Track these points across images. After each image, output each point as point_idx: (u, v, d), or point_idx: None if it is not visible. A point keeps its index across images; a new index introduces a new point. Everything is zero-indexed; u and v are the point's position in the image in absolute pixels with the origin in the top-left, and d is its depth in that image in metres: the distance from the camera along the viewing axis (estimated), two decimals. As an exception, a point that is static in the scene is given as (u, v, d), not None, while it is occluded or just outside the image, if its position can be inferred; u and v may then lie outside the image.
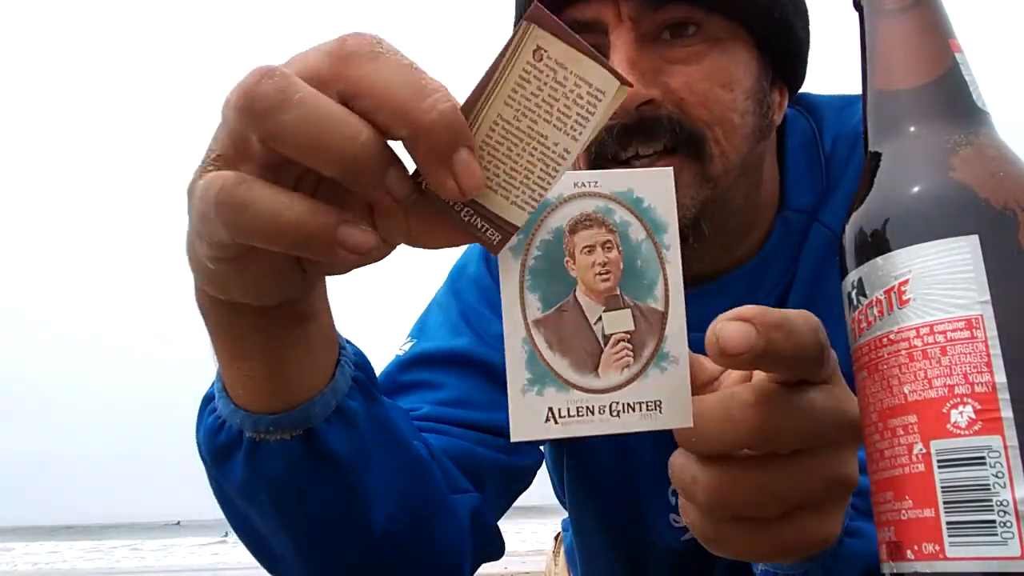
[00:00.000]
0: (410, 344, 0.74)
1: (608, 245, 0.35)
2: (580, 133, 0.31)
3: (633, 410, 0.34)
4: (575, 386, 0.34)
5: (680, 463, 0.38)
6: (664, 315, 0.35)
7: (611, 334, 0.35)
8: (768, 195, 0.71)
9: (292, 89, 0.29)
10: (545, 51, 0.30)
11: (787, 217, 0.71)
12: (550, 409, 0.34)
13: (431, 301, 0.81)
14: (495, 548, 0.66)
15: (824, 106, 0.76)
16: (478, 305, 0.76)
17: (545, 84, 0.31)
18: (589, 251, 0.35)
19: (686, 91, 0.62)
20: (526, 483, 0.73)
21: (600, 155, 0.63)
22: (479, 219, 0.32)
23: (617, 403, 0.34)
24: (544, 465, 0.86)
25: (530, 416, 0.33)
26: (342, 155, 0.29)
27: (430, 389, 0.69)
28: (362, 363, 0.51)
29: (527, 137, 0.31)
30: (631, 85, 0.32)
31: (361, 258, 0.31)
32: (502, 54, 0.30)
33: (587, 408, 0.34)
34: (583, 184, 0.34)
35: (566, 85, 0.31)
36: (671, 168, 0.36)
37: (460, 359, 0.70)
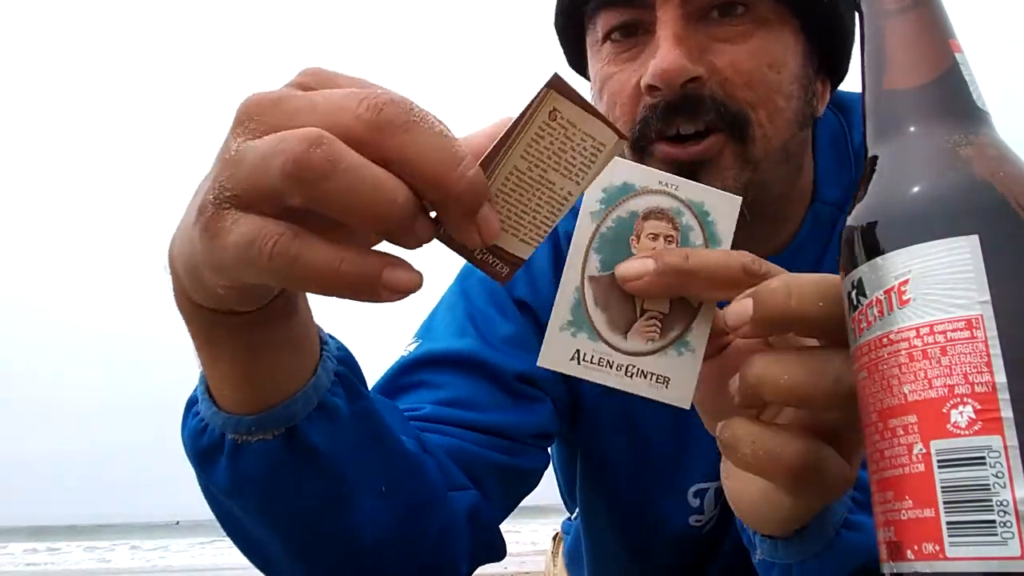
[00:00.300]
0: (415, 344, 0.74)
1: (670, 239, 0.40)
2: (582, 179, 0.36)
3: (644, 377, 0.40)
4: (604, 340, 0.39)
5: (759, 355, 0.39)
6: (696, 311, 0.40)
7: (647, 309, 0.40)
8: (803, 187, 0.71)
9: (338, 158, 0.30)
10: (559, 112, 0.35)
11: (818, 210, 0.72)
12: (577, 350, 0.39)
13: (439, 302, 0.81)
14: (495, 548, 0.66)
15: (853, 102, 0.76)
16: (486, 307, 0.75)
17: (556, 139, 0.35)
18: (653, 238, 0.40)
19: (731, 70, 0.61)
20: (530, 485, 0.72)
21: (644, 134, 0.63)
22: (490, 255, 0.37)
23: (633, 366, 0.40)
24: (551, 466, 0.86)
25: (560, 350, 0.39)
26: (381, 215, 0.31)
27: (432, 389, 0.69)
28: (345, 357, 0.51)
29: (537, 184, 0.36)
30: (627, 139, 0.37)
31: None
32: (522, 115, 0.35)
33: (607, 361, 0.39)
34: (666, 184, 0.40)
35: (574, 140, 0.35)
36: (740, 198, 0.41)
37: (464, 360, 0.70)
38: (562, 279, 0.39)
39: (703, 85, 0.61)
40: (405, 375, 0.70)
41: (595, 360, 0.39)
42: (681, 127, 0.61)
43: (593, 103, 0.71)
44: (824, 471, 0.39)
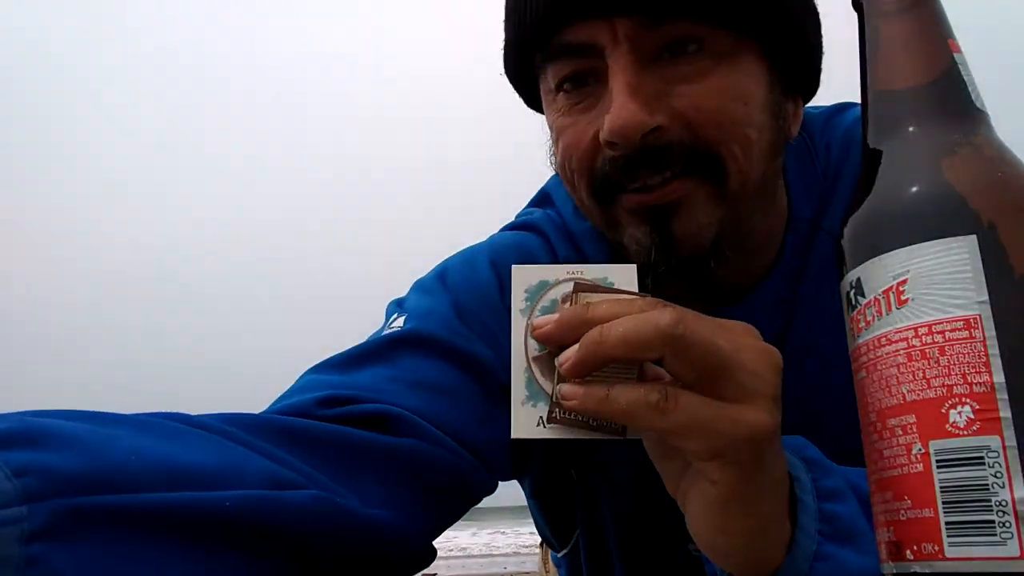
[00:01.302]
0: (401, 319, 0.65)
1: None
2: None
3: (603, 423, 0.45)
4: (557, 402, 0.45)
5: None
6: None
7: None
8: (779, 209, 0.69)
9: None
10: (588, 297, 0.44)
11: (796, 228, 0.70)
12: (540, 417, 0.44)
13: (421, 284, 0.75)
14: (371, 538, 0.51)
15: (811, 118, 0.74)
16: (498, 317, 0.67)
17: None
18: None
19: (694, 112, 0.58)
20: (469, 499, 0.62)
21: (605, 186, 0.60)
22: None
23: (589, 417, 0.45)
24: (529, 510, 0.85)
25: (527, 420, 0.44)
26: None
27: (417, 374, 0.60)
28: (36, 465, 0.35)
29: None
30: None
31: None
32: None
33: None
34: (573, 272, 0.47)
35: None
36: (635, 266, 0.46)
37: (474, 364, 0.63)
38: (512, 366, 0.45)
39: (666, 133, 0.57)
40: (394, 349, 0.61)
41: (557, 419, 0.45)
42: (647, 179, 0.58)
43: (550, 153, 0.69)
44: (691, 409, 0.41)
